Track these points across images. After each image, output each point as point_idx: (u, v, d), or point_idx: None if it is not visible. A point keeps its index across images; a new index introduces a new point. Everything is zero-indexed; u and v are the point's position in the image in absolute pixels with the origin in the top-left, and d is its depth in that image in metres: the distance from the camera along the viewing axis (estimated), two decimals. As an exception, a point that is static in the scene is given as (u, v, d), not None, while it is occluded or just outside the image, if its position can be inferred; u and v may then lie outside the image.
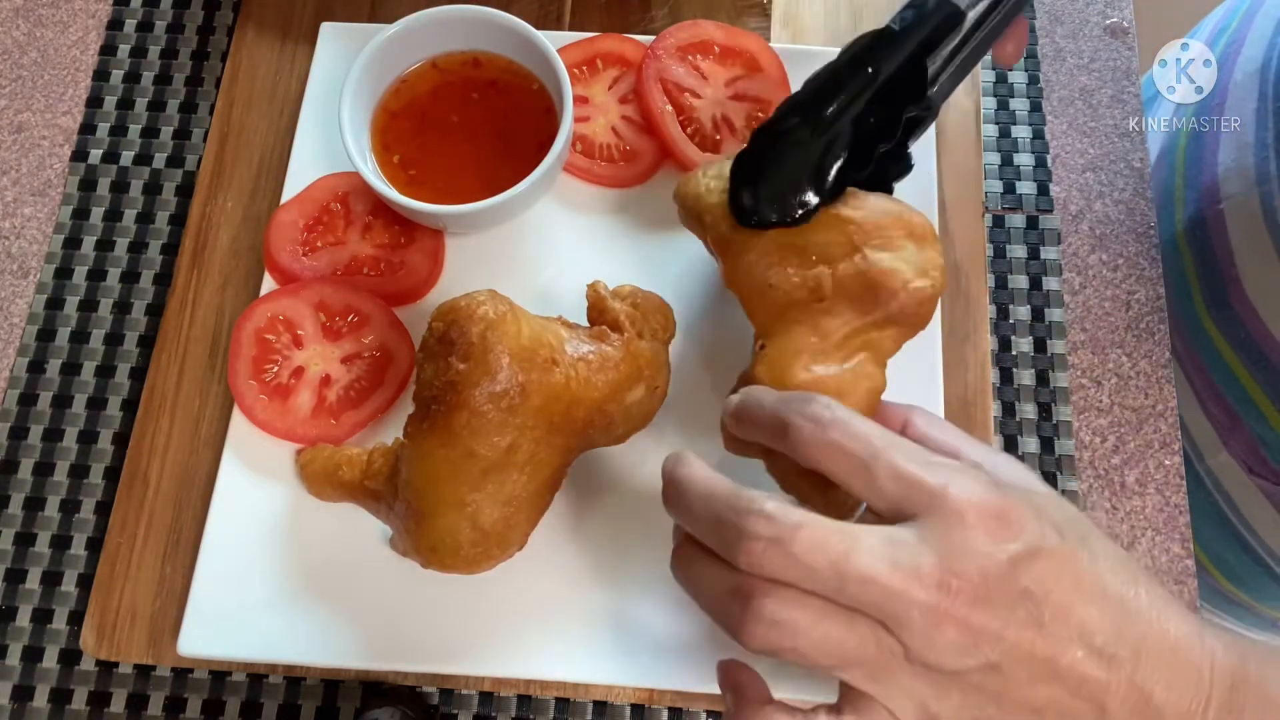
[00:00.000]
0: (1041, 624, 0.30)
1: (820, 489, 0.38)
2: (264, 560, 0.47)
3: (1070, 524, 0.33)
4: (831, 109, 0.42)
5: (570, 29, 0.58)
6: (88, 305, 0.54)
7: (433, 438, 0.40)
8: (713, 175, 0.45)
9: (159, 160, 0.57)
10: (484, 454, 0.40)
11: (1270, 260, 0.53)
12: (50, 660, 0.48)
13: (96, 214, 0.56)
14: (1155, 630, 0.32)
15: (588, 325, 0.45)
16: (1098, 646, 0.31)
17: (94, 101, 0.59)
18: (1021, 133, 0.58)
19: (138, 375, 0.53)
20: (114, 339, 0.54)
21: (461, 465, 0.40)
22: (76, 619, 0.49)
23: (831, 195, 0.42)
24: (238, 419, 0.48)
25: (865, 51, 0.43)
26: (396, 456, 0.43)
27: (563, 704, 0.47)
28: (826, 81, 0.43)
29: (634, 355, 0.44)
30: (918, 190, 0.52)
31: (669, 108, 0.53)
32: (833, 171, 0.42)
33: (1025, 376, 0.53)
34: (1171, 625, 0.32)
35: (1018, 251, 0.55)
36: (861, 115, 0.43)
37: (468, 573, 0.43)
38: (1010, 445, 0.51)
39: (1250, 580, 0.64)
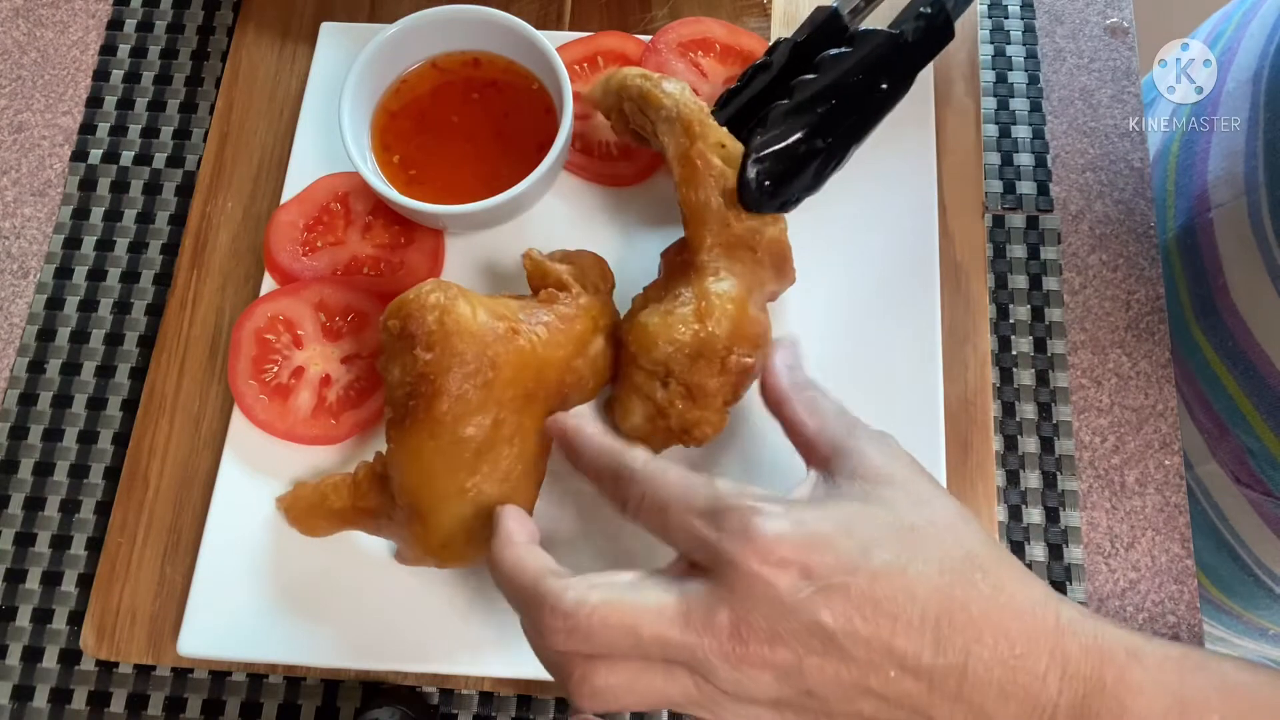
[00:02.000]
0: (844, 653, 0.31)
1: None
2: (264, 560, 0.47)
3: (887, 535, 0.33)
4: (847, 121, 0.45)
5: (570, 29, 0.58)
6: (88, 305, 0.54)
7: (419, 433, 0.40)
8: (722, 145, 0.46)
9: (159, 160, 0.57)
10: (472, 435, 0.40)
11: (1257, 269, 0.53)
12: (50, 660, 0.48)
13: (96, 214, 0.56)
14: (988, 640, 0.31)
15: (531, 293, 0.46)
16: (911, 666, 0.31)
17: (94, 101, 0.59)
18: (1021, 133, 0.58)
19: (138, 375, 0.53)
20: (114, 339, 0.54)
21: (453, 453, 0.40)
22: (76, 619, 0.49)
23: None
24: (238, 419, 0.48)
25: (883, 63, 0.45)
26: (383, 465, 0.43)
27: (562, 704, 0.47)
28: (845, 89, 0.45)
29: (586, 309, 0.45)
30: (918, 190, 0.52)
31: (669, 107, 0.53)
32: (829, 178, 0.46)
33: (1025, 376, 0.53)
34: (1010, 631, 0.32)
35: (1018, 251, 0.55)
36: (863, 126, 0.46)
37: (483, 562, 0.43)
38: (1010, 445, 0.51)
39: (1239, 588, 0.64)
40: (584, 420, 0.40)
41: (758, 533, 0.32)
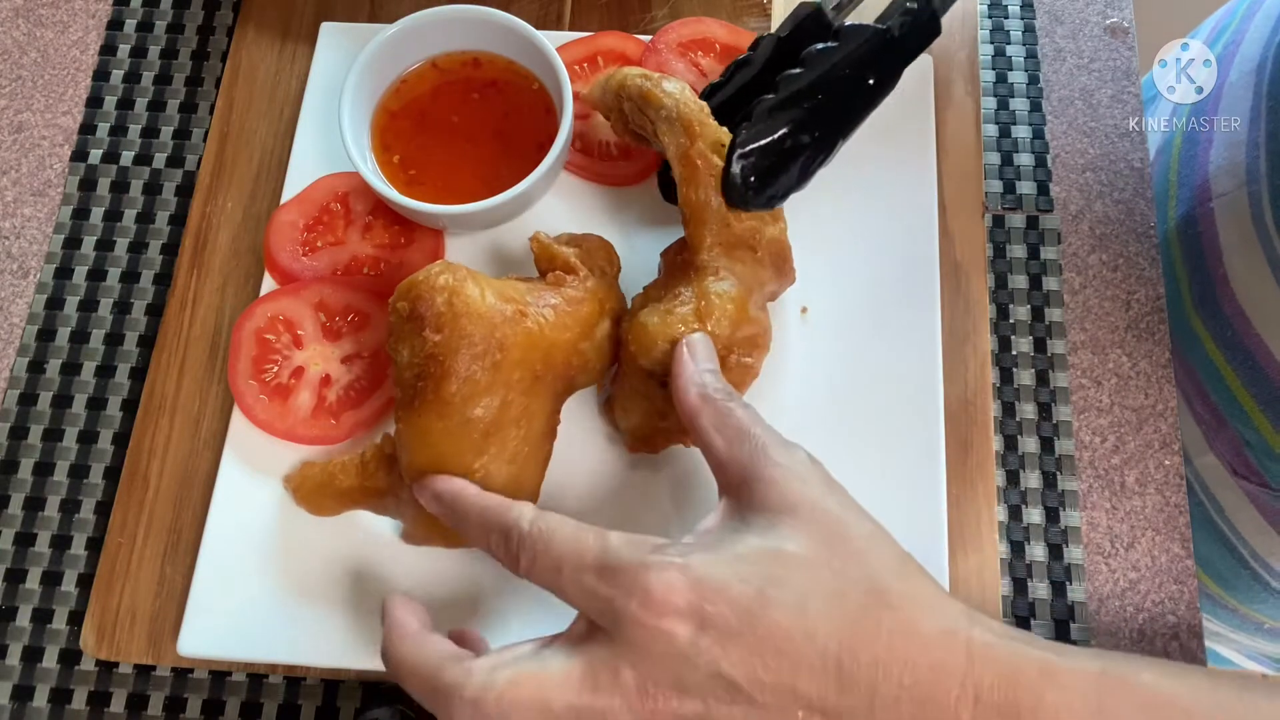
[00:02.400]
0: (750, 699, 0.31)
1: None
2: (264, 560, 0.47)
3: (786, 574, 0.32)
4: (833, 116, 0.45)
5: (570, 29, 0.58)
6: (88, 305, 0.54)
7: (427, 414, 0.40)
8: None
9: (159, 160, 0.57)
10: (480, 416, 0.40)
11: (1257, 260, 0.53)
12: (50, 660, 0.48)
13: (96, 214, 0.56)
14: (894, 675, 0.31)
15: (538, 275, 0.46)
16: (818, 707, 0.31)
17: (94, 101, 0.59)
18: (1021, 133, 0.58)
19: (138, 375, 0.53)
20: (114, 339, 0.54)
21: (461, 434, 0.40)
22: (76, 619, 0.49)
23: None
24: (238, 419, 0.48)
25: (870, 58, 0.45)
26: (391, 446, 0.43)
27: (563, 704, 0.47)
28: (831, 83, 0.45)
29: (593, 292, 0.45)
30: (918, 190, 0.52)
31: (669, 107, 0.53)
32: (815, 174, 0.46)
33: (1025, 376, 0.53)
34: (917, 664, 0.31)
35: (1018, 251, 0.55)
36: (849, 122, 0.46)
37: None
38: (1010, 445, 0.51)
39: (1236, 583, 0.64)
40: (461, 482, 0.40)
41: (650, 587, 0.32)
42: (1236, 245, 0.55)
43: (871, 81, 0.46)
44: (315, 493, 0.46)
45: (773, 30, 0.58)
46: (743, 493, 0.36)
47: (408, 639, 0.36)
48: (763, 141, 0.44)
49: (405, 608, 0.38)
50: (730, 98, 0.49)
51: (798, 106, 0.44)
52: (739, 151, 0.43)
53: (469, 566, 0.46)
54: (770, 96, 0.44)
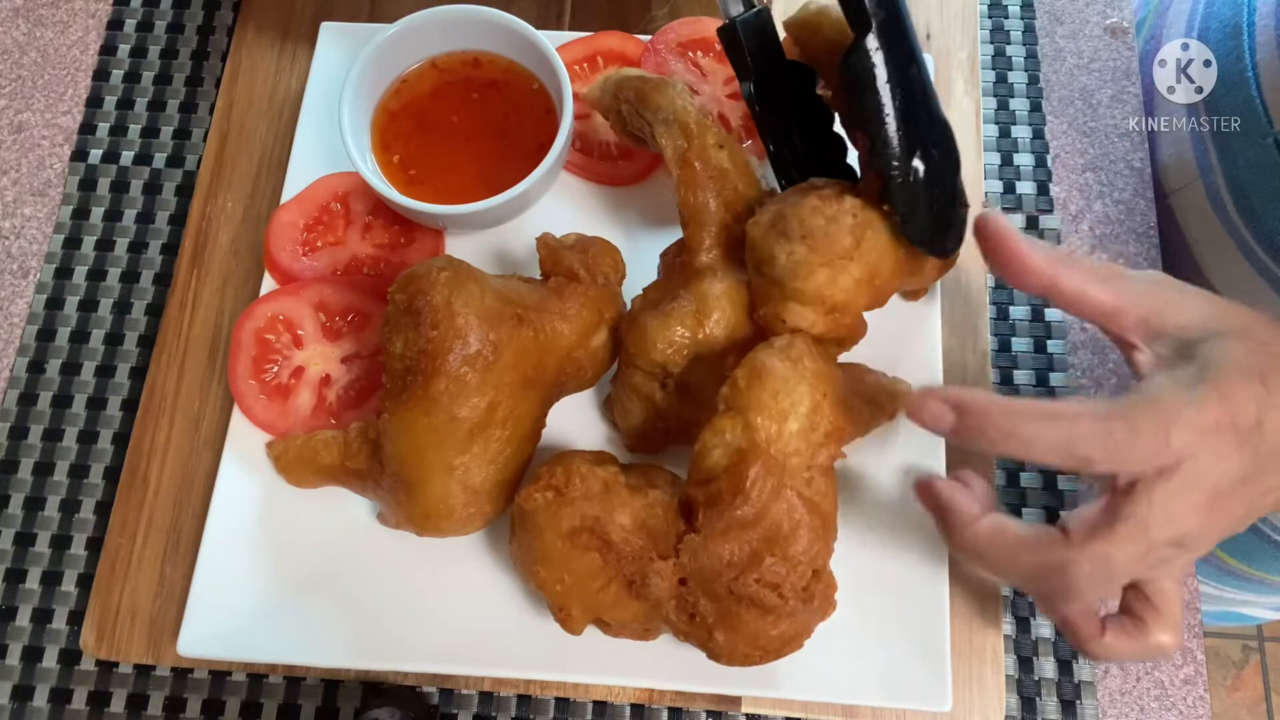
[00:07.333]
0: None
1: None
2: (264, 560, 0.47)
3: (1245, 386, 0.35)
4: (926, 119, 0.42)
5: (570, 29, 0.58)
6: (88, 305, 0.54)
7: (414, 408, 0.41)
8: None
9: (159, 160, 0.57)
10: (466, 416, 0.41)
11: (1228, 249, 0.53)
12: (50, 660, 0.48)
13: (96, 214, 0.56)
14: None
15: (542, 278, 0.46)
16: None
17: (94, 101, 0.59)
18: (1021, 133, 0.58)
19: (138, 375, 0.53)
20: (114, 339, 0.54)
21: (446, 431, 0.41)
22: (76, 619, 0.49)
23: None
24: (238, 419, 0.48)
25: (894, 41, 0.41)
26: (375, 431, 0.43)
27: (563, 704, 0.47)
28: (907, 89, 0.41)
29: (594, 301, 0.45)
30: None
31: (669, 108, 0.53)
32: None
33: (1024, 376, 0.53)
34: None
35: (1018, 251, 0.55)
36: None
37: (463, 534, 0.44)
38: (1010, 445, 0.51)
39: (1260, 556, 0.64)
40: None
41: (1185, 416, 0.34)
42: (1203, 238, 0.55)
43: (915, 64, 0.41)
44: (296, 464, 0.46)
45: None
46: (1151, 324, 0.37)
47: (976, 524, 0.38)
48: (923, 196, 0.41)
49: (963, 493, 0.39)
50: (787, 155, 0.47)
51: (908, 138, 0.40)
52: (912, 225, 0.41)
53: (470, 581, 0.46)
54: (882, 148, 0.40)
